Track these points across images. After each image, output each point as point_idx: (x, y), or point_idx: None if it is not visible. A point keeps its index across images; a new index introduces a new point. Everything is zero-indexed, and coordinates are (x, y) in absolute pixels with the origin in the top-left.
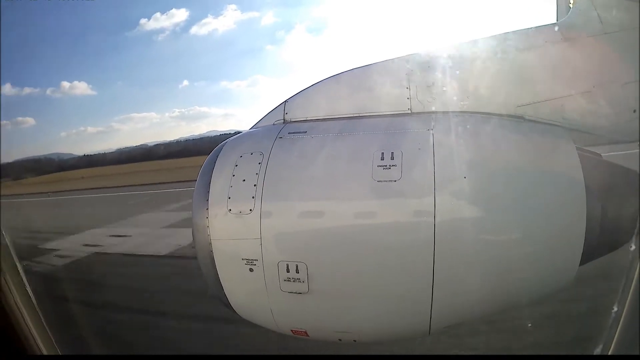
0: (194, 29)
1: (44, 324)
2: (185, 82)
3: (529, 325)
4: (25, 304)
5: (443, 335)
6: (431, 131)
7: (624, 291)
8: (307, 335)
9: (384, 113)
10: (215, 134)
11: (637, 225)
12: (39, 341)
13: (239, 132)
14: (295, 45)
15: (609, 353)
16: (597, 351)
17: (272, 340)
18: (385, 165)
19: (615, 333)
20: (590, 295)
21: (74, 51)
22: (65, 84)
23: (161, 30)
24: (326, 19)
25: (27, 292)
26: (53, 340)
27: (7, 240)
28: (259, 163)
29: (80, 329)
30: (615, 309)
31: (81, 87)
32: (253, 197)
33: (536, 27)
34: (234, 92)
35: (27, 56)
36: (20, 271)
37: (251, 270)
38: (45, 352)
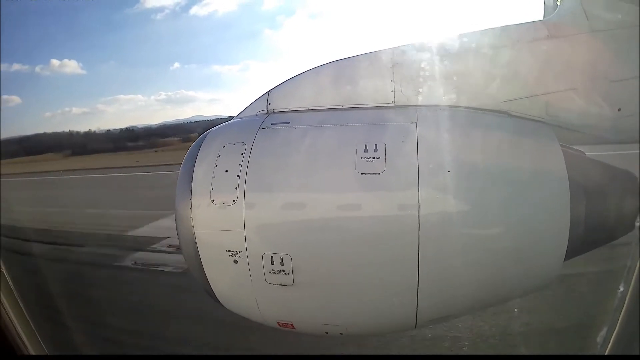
0: (195, 9)
1: (30, 322)
2: (177, 65)
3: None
4: (9, 302)
5: None
6: (415, 124)
7: (622, 291)
8: (294, 328)
9: (368, 105)
10: (201, 119)
11: (637, 225)
12: (25, 341)
13: (225, 118)
14: (293, 31)
15: (608, 353)
16: (596, 351)
17: None
18: (369, 158)
19: (613, 333)
20: (589, 295)
21: (69, 27)
22: (55, 62)
23: (161, 9)
24: (330, 5)
25: (11, 289)
26: (40, 340)
27: None
28: (242, 154)
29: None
30: (614, 309)
31: (71, 66)
32: (236, 188)
33: (523, 23)
34: (223, 77)
35: (18, 30)
36: (3, 267)
37: (235, 262)
38: (32, 352)
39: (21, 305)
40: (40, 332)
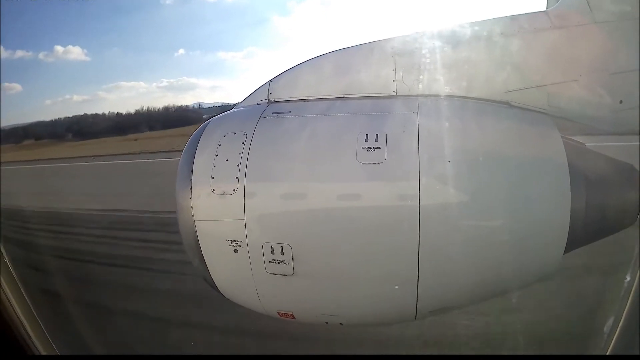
0: None
1: (39, 321)
2: (181, 51)
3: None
4: (17, 299)
5: None
6: (416, 114)
7: (624, 291)
8: (294, 318)
9: (369, 95)
10: (205, 106)
11: (638, 225)
12: (35, 340)
13: (226, 105)
14: (303, 18)
15: (609, 353)
16: (597, 351)
17: None
18: (370, 147)
19: (615, 333)
20: (590, 294)
21: (74, 11)
22: (59, 48)
23: None
24: None
25: (19, 287)
26: (50, 340)
27: None
28: (242, 143)
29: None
30: (615, 308)
31: (75, 52)
32: (236, 178)
33: (526, 13)
34: (227, 64)
35: (22, 16)
36: (9, 263)
37: (236, 251)
38: (42, 352)
39: (30, 304)
40: (50, 331)
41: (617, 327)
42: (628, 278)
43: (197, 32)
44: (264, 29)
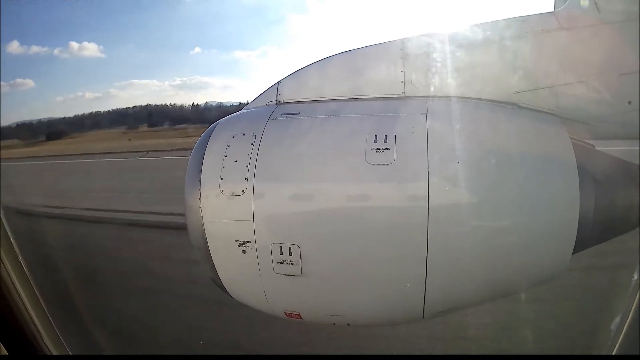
0: None
1: (51, 320)
2: (197, 49)
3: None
4: (29, 298)
5: None
6: (425, 115)
7: (629, 292)
8: (301, 318)
9: (378, 96)
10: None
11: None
12: (47, 340)
13: (238, 104)
14: (320, 17)
15: (614, 353)
16: (603, 351)
17: None
18: (379, 148)
19: (621, 334)
20: (594, 295)
21: (92, 5)
22: (74, 45)
23: None
24: None
25: (30, 284)
26: (62, 339)
27: (4, 222)
28: (251, 144)
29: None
30: (622, 307)
31: (91, 49)
32: (245, 179)
33: (534, 14)
34: (240, 63)
35: (40, 11)
36: (20, 259)
37: (244, 252)
38: (54, 352)
39: (43, 304)
40: (62, 331)
41: (624, 327)
42: (635, 276)
43: (215, 30)
44: (280, 27)
